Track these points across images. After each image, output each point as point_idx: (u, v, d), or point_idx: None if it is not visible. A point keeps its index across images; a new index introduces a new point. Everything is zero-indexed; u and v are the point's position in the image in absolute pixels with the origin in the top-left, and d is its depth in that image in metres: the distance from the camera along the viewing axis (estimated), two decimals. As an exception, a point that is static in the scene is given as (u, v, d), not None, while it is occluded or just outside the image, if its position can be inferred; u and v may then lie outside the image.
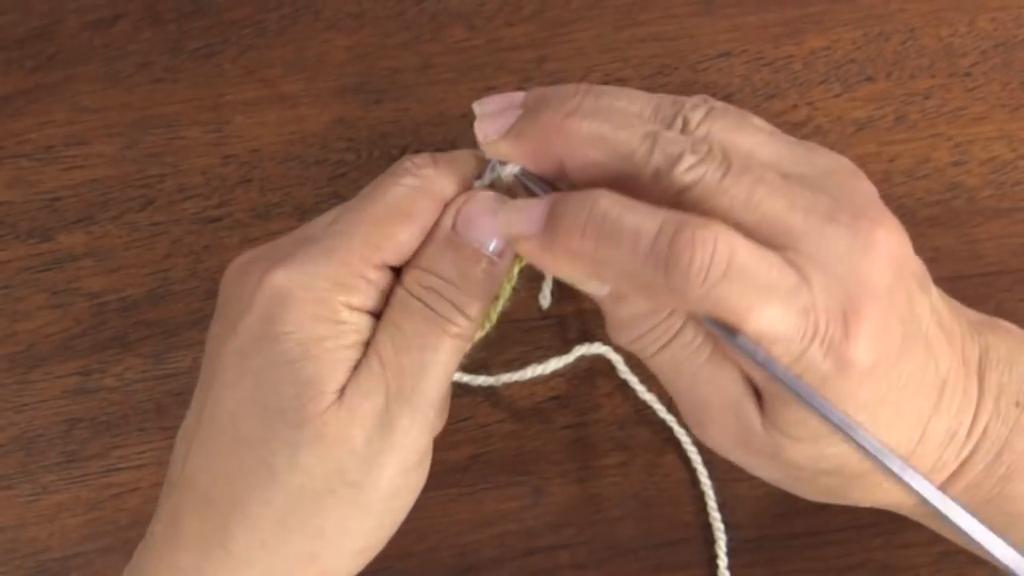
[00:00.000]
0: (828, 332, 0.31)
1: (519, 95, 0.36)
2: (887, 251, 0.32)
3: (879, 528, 0.47)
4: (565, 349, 0.48)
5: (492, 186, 0.37)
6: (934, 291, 0.35)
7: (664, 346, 0.34)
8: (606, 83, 0.50)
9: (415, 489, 0.37)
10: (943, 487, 0.35)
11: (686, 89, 0.50)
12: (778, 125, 0.50)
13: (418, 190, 0.36)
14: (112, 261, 0.49)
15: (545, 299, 0.45)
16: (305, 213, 0.50)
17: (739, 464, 0.36)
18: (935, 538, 0.45)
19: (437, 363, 0.35)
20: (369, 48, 0.51)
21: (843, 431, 0.31)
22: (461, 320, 0.35)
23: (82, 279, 0.49)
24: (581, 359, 0.47)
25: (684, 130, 0.34)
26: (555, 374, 0.47)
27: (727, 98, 0.50)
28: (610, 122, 0.33)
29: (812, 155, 0.34)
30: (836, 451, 0.33)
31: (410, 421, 0.35)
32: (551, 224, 0.32)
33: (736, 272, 0.30)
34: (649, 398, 0.47)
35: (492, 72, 0.51)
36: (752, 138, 0.34)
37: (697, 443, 0.47)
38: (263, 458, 0.34)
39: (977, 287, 0.48)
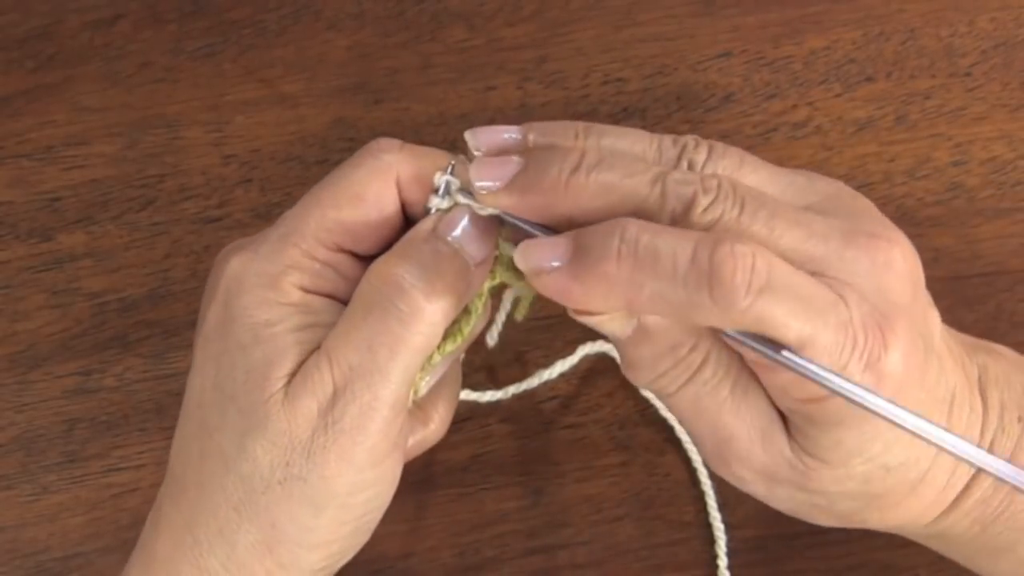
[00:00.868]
0: (867, 346, 0.31)
1: (513, 131, 0.35)
2: (905, 268, 0.32)
3: (879, 528, 0.47)
4: (564, 349, 0.48)
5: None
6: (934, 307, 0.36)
7: (686, 382, 0.34)
8: (606, 83, 0.50)
9: (383, 488, 0.35)
10: (952, 507, 0.36)
11: (686, 89, 0.50)
12: (778, 125, 0.50)
13: (374, 172, 0.35)
14: (112, 261, 0.49)
15: (492, 339, 0.45)
16: (305, 213, 0.50)
17: (759, 497, 0.36)
18: (935, 538, 0.45)
19: (393, 364, 0.33)
20: (369, 48, 0.51)
21: (911, 431, 0.31)
22: (428, 315, 0.33)
23: (82, 279, 0.49)
24: (583, 359, 0.47)
25: (690, 170, 0.34)
26: (556, 373, 0.47)
27: (727, 98, 0.50)
28: (615, 170, 0.32)
29: (813, 184, 0.35)
30: (863, 470, 0.33)
31: (357, 421, 0.33)
32: (580, 253, 0.31)
33: (777, 285, 0.30)
34: (649, 395, 0.47)
35: (492, 72, 0.51)
36: (755, 174, 0.34)
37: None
38: (219, 443, 0.34)
39: (977, 287, 0.48)
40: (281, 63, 0.51)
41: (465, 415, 0.48)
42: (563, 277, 0.31)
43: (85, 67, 0.51)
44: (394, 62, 0.51)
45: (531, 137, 0.35)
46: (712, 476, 0.47)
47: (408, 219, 0.36)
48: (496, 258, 0.35)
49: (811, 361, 0.31)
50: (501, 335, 0.47)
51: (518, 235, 0.34)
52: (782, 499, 0.36)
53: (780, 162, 0.50)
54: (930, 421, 0.31)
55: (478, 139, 0.35)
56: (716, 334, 0.33)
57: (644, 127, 0.50)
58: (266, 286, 0.34)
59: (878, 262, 0.32)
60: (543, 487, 0.47)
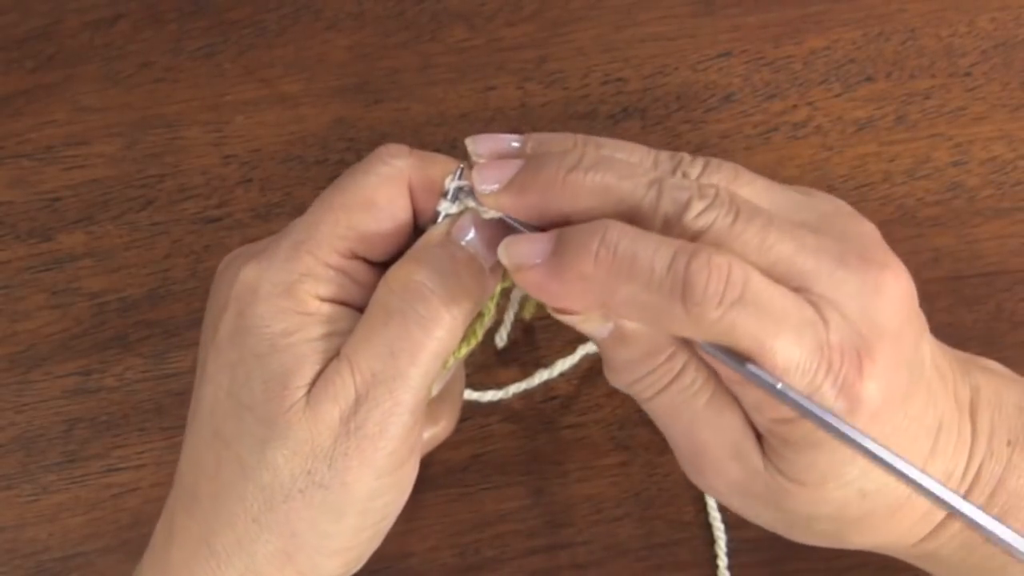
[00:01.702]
0: (842, 370, 0.31)
1: (513, 139, 0.35)
2: (896, 294, 0.32)
3: (879, 528, 0.47)
4: (564, 349, 0.48)
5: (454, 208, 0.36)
6: (928, 334, 0.35)
7: (662, 389, 0.34)
8: (606, 83, 0.50)
9: (401, 492, 0.36)
10: (938, 529, 0.35)
11: (686, 89, 0.50)
12: (778, 125, 0.50)
13: (386, 178, 0.35)
14: (112, 261, 0.49)
15: (502, 340, 0.45)
16: (305, 213, 0.50)
17: (734, 510, 0.36)
18: (935, 538, 0.45)
19: (414, 370, 0.34)
20: (369, 48, 0.51)
21: (876, 456, 0.31)
22: (447, 321, 0.34)
23: (82, 279, 0.49)
24: (583, 359, 0.47)
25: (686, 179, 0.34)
26: (557, 373, 0.47)
27: (727, 98, 0.50)
28: (613, 171, 0.32)
29: (811, 200, 0.34)
30: (839, 495, 0.33)
31: (379, 427, 0.33)
32: (559, 251, 0.32)
33: (752, 298, 0.30)
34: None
35: (492, 72, 0.51)
36: (750, 187, 0.34)
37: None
38: (237, 453, 0.34)
39: (977, 287, 0.48)
40: (281, 63, 0.51)
41: (465, 415, 0.47)
42: (542, 274, 0.32)
43: (85, 67, 0.51)
44: (394, 62, 0.51)
45: (530, 146, 0.35)
46: (712, 476, 0.47)
47: (416, 226, 0.36)
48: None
49: (779, 380, 0.31)
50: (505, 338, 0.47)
51: None
52: (757, 515, 0.36)
53: (780, 162, 0.51)
54: (897, 456, 0.31)
55: (479, 146, 0.35)
56: (694, 345, 0.33)
57: (644, 127, 0.50)
58: (282, 295, 0.34)
59: (867, 285, 0.31)
60: (543, 487, 0.47)
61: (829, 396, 0.31)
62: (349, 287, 0.35)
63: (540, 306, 0.37)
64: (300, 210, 0.50)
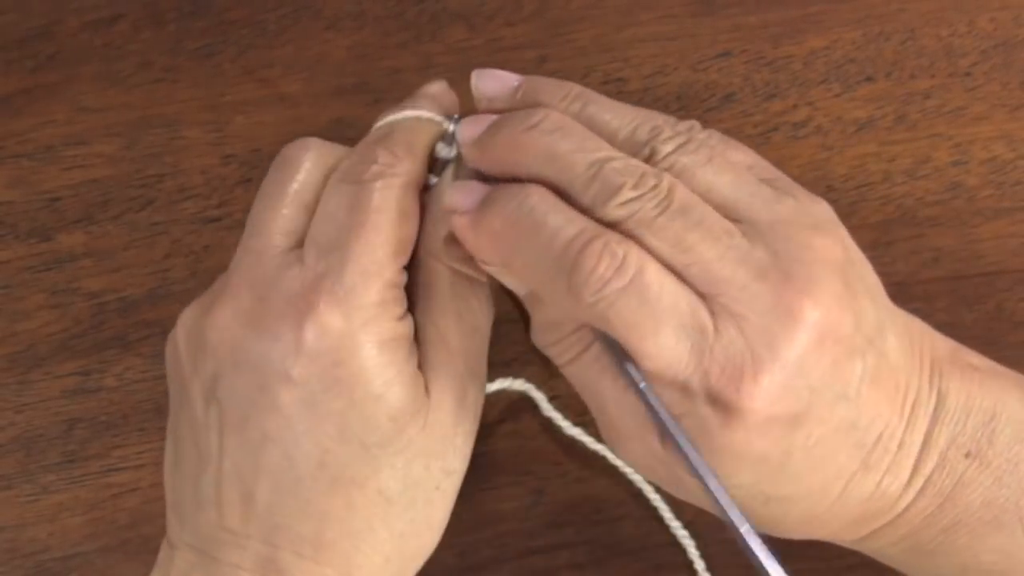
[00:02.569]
0: (720, 383, 0.31)
1: (515, 79, 0.37)
2: (810, 320, 0.31)
3: (879, 528, 0.46)
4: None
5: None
6: (890, 342, 0.34)
7: (574, 359, 0.34)
8: (606, 83, 0.50)
9: (461, 444, 0.38)
10: (878, 533, 0.35)
11: (686, 89, 0.50)
12: (778, 125, 0.50)
13: (403, 187, 0.36)
14: (112, 261, 0.49)
15: None
16: (305, 213, 0.50)
17: (655, 483, 0.38)
18: (935, 538, 0.45)
19: (486, 333, 0.37)
20: (369, 48, 0.51)
21: (698, 475, 0.32)
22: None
23: (82, 279, 0.49)
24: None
25: (650, 160, 0.34)
26: (552, 374, 0.47)
27: (727, 98, 0.50)
28: (567, 141, 0.33)
29: (775, 202, 0.33)
30: (738, 494, 0.34)
31: (477, 391, 0.37)
32: (484, 204, 0.33)
33: (638, 290, 0.31)
34: (576, 432, 0.47)
35: (492, 72, 0.51)
36: (718, 176, 0.34)
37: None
38: (375, 489, 0.35)
39: (977, 287, 0.48)
40: (281, 63, 0.51)
41: (465, 415, 0.48)
42: (465, 223, 0.34)
43: (85, 67, 0.51)
44: (394, 62, 0.51)
45: (521, 92, 0.36)
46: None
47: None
48: None
49: (643, 379, 0.31)
50: (503, 335, 0.47)
51: None
52: (676, 493, 0.36)
53: (780, 162, 0.50)
54: (721, 489, 0.32)
55: (481, 81, 0.37)
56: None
57: (644, 127, 0.50)
58: (371, 331, 0.34)
59: (780, 306, 0.31)
60: (543, 487, 0.47)
61: (701, 403, 0.31)
62: (402, 295, 0.36)
63: None
64: (300, 210, 0.49)
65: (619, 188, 0.32)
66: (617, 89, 0.50)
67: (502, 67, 0.51)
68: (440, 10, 0.51)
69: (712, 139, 0.34)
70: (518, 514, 0.47)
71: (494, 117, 0.35)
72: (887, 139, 0.50)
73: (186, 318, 0.37)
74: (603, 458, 0.47)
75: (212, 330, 0.36)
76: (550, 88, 0.36)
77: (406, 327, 0.35)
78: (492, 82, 0.37)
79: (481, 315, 0.37)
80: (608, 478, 0.47)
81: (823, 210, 0.34)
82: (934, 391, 0.35)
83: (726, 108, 0.50)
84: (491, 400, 0.47)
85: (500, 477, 0.47)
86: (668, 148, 0.34)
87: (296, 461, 0.34)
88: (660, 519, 0.47)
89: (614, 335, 0.31)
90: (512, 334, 0.48)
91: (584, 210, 0.32)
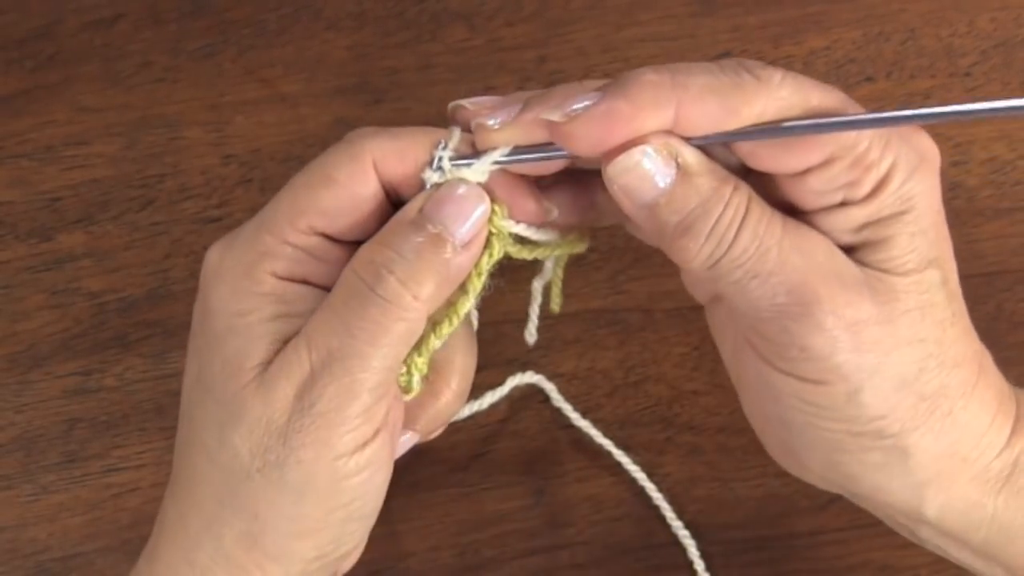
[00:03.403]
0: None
1: (499, 97, 0.35)
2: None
3: (879, 528, 0.46)
4: (564, 348, 0.48)
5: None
6: None
7: (740, 228, 0.32)
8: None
9: (372, 473, 0.35)
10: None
11: (686, 89, 0.50)
12: (778, 125, 0.50)
13: (347, 156, 0.34)
14: (112, 261, 0.49)
15: (531, 336, 0.45)
16: (305, 213, 0.50)
17: (837, 366, 0.33)
18: (935, 538, 0.45)
19: (372, 350, 0.33)
20: (369, 48, 0.51)
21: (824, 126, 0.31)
22: (407, 302, 0.33)
23: (82, 279, 0.49)
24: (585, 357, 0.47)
25: None
26: (555, 374, 0.47)
27: (727, 98, 0.50)
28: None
29: None
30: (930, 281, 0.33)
31: (334, 404, 0.33)
32: (614, 84, 0.32)
33: (802, 78, 0.32)
34: (584, 424, 0.47)
35: (492, 72, 0.51)
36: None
37: (692, 445, 0.47)
38: (201, 437, 0.34)
39: (977, 287, 0.48)
40: (281, 63, 0.51)
41: (465, 415, 0.48)
42: (606, 99, 0.31)
43: (85, 67, 0.51)
44: (394, 62, 0.51)
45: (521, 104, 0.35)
46: (714, 476, 0.47)
47: (403, 200, 0.35)
48: (494, 235, 0.35)
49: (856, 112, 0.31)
50: (504, 335, 0.47)
51: (515, 208, 0.35)
52: (865, 355, 0.33)
53: (780, 162, 0.50)
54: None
55: (466, 101, 0.35)
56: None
57: (644, 127, 0.50)
58: (240, 275, 0.34)
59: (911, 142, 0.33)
60: (543, 487, 0.47)
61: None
62: (311, 264, 0.35)
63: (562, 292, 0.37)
64: (300, 210, 0.49)
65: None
66: (617, 89, 0.50)
67: (502, 67, 0.51)
68: (440, 10, 0.51)
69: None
70: (518, 514, 0.47)
71: (516, 99, 0.34)
72: (887, 139, 0.50)
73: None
74: (608, 453, 0.47)
75: None
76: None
77: (280, 289, 0.34)
78: (477, 99, 0.35)
79: (367, 325, 0.33)
80: (609, 477, 0.47)
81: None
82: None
83: (726, 108, 0.50)
84: (492, 399, 0.47)
85: (500, 477, 0.47)
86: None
87: (182, 392, 0.36)
88: (660, 519, 0.47)
89: (809, 104, 0.32)
90: (512, 334, 0.48)
91: None
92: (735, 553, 0.47)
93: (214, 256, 0.35)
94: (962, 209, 0.49)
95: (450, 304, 0.35)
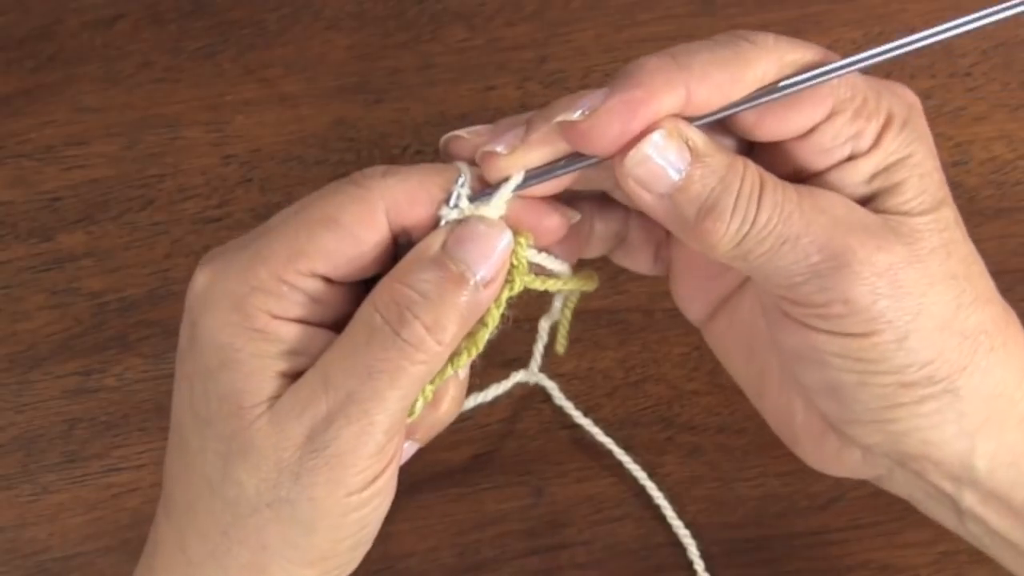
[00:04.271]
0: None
1: (490, 125, 0.35)
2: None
3: (879, 528, 0.46)
4: (568, 348, 0.48)
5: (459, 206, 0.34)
6: None
7: (760, 200, 0.32)
8: (606, 84, 0.50)
9: (378, 503, 0.35)
10: None
11: (686, 89, 0.50)
12: (778, 125, 0.50)
13: (353, 198, 0.33)
14: (112, 261, 0.49)
15: (533, 376, 0.45)
16: (305, 213, 0.50)
17: (863, 321, 0.33)
18: (935, 538, 0.45)
19: (392, 392, 0.32)
20: (369, 48, 0.51)
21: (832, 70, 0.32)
22: (430, 346, 0.32)
23: (82, 279, 0.49)
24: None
25: None
26: (556, 374, 0.47)
27: (727, 98, 0.50)
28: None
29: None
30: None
31: (350, 446, 0.32)
32: (621, 74, 0.32)
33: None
34: (586, 423, 0.47)
35: (492, 72, 0.51)
36: None
37: (693, 445, 0.47)
38: (201, 468, 0.33)
39: (977, 287, 0.48)
40: (281, 63, 0.51)
41: (465, 415, 0.48)
42: (617, 92, 0.31)
43: (85, 67, 0.51)
44: (394, 62, 0.51)
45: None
46: (715, 476, 0.47)
47: (408, 242, 0.34)
48: (514, 267, 0.34)
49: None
50: (503, 335, 0.47)
51: (541, 227, 0.34)
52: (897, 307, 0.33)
53: (780, 162, 0.50)
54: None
55: (470, 131, 0.35)
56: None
57: (644, 127, 0.50)
58: (230, 308, 0.33)
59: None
60: (543, 487, 0.47)
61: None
62: (309, 305, 0.33)
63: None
64: (300, 210, 0.49)
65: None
66: (617, 89, 0.50)
67: (502, 67, 0.51)
68: (440, 10, 0.51)
69: None
70: (518, 514, 0.47)
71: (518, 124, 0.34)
72: (887, 139, 0.50)
73: None
74: (607, 453, 0.47)
75: None
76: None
77: (276, 328, 0.33)
78: (466, 129, 0.35)
79: (388, 366, 0.32)
80: (609, 477, 0.47)
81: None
82: None
83: (726, 108, 0.50)
84: (493, 400, 0.47)
85: (500, 477, 0.47)
86: None
87: (173, 412, 0.35)
88: (661, 519, 0.47)
89: (815, 59, 0.32)
90: (512, 334, 0.48)
91: None
92: (735, 553, 0.47)
93: (203, 280, 0.33)
94: (962, 209, 0.49)
95: (469, 336, 0.35)
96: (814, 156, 0.33)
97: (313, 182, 0.50)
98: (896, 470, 0.36)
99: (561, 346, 0.41)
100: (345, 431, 0.32)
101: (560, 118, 0.32)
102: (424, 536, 0.47)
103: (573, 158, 0.33)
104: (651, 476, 0.47)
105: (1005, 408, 0.35)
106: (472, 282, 0.33)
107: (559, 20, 0.51)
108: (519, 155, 0.33)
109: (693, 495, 0.47)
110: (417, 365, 0.33)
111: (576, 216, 0.36)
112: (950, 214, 0.34)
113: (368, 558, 0.39)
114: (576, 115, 0.32)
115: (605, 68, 0.50)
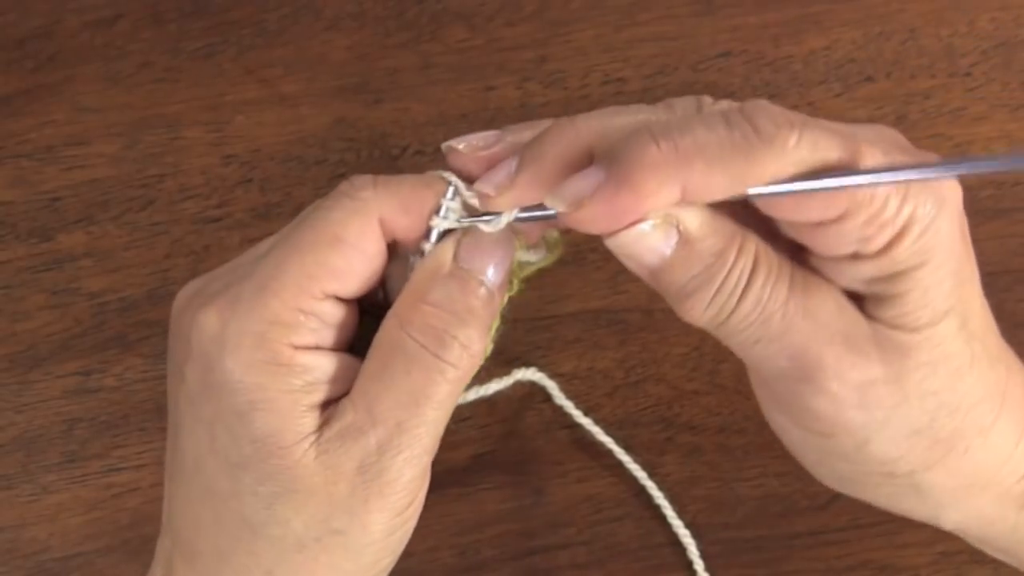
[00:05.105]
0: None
1: (492, 133, 0.34)
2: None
3: (879, 528, 0.47)
4: (568, 348, 0.48)
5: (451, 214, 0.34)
6: None
7: (744, 293, 0.31)
8: (606, 83, 0.50)
9: (411, 522, 0.35)
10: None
11: (686, 89, 0.50)
12: (778, 125, 0.50)
13: (353, 212, 0.33)
14: (112, 261, 0.49)
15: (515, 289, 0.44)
16: (305, 213, 0.50)
17: (843, 423, 0.32)
18: (935, 538, 0.45)
19: (436, 414, 0.33)
20: (369, 48, 0.51)
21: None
22: (466, 362, 0.33)
23: (82, 279, 0.49)
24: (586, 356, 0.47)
25: None
26: (556, 374, 0.47)
27: (727, 98, 0.50)
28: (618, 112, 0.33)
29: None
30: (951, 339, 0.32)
31: (399, 472, 0.33)
32: (616, 161, 0.30)
33: (813, 122, 0.31)
34: (586, 422, 0.47)
35: (492, 72, 0.51)
36: None
37: (692, 445, 0.47)
38: (238, 511, 0.33)
39: (977, 287, 0.48)
40: (281, 63, 0.51)
41: (465, 415, 0.48)
42: (609, 188, 0.30)
43: (85, 67, 0.51)
44: (394, 62, 0.51)
45: (508, 138, 0.34)
46: (707, 480, 0.47)
47: (397, 252, 0.35)
48: (512, 271, 0.35)
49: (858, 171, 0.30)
50: (503, 335, 0.47)
51: (532, 227, 0.34)
52: (871, 406, 0.32)
53: (780, 162, 0.50)
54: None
55: (458, 143, 0.34)
56: (756, 236, 0.32)
57: (644, 127, 0.50)
58: (251, 347, 0.32)
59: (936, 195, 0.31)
60: (543, 487, 0.47)
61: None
62: (322, 330, 0.33)
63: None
64: (300, 210, 0.50)
65: (699, 106, 0.33)
66: (617, 89, 0.50)
67: (502, 67, 0.51)
68: (440, 10, 0.51)
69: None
70: (518, 514, 0.47)
71: (507, 161, 0.33)
72: (887, 139, 0.50)
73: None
74: (607, 453, 0.47)
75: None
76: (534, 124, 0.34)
77: (301, 359, 0.32)
78: (468, 138, 0.34)
79: (430, 388, 0.33)
80: (609, 477, 0.47)
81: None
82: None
83: (726, 108, 0.50)
84: (493, 400, 0.47)
85: (500, 477, 0.47)
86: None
87: (183, 457, 0.34)
88: (661, 519, 0.47)
89: (826, 161, 0.30)
90: (512, 334, 0.48)
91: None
92: (735, 553, 0.47)
93: (213, 322, 0.32)
94: (962, 209, 0.49)
95: None
96: (815, 244, 0.32)
97: (313, 182, 0.50)
98: None
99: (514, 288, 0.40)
100: (397, 460, 0.32)
101: (549, 203, 0.31)
102: (424, 536, 0.47)
103: None
104: (651, 476, 0.47)
105: (975, 493, 0.34)
106: (488, 291, 0.33)
107: (559, 20, 0.51)
108: (509, 198, 0.33)
109: (693, 495, 0.47)
110: (457, 382, 0.33)
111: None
112: (952, 325, 0.32)
113: (368, 558, 0.39)
114: (563, 207, 0.31)
115: (605, 68, 0.50)
